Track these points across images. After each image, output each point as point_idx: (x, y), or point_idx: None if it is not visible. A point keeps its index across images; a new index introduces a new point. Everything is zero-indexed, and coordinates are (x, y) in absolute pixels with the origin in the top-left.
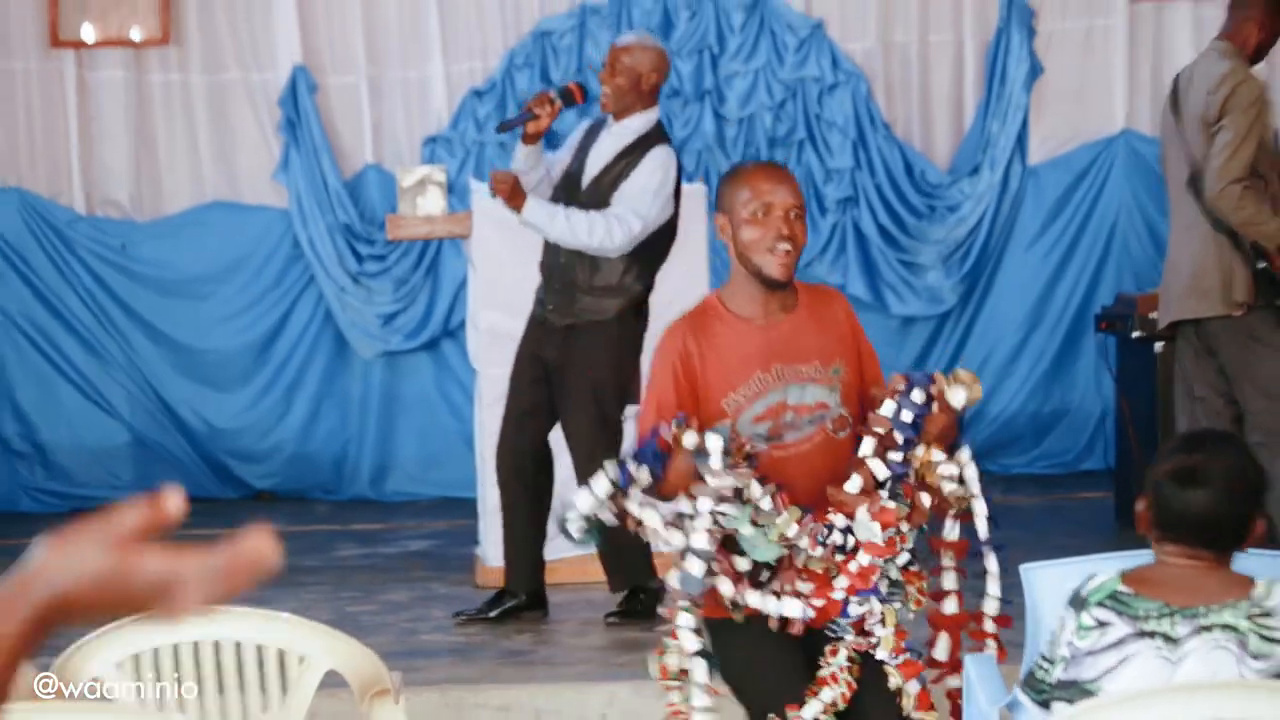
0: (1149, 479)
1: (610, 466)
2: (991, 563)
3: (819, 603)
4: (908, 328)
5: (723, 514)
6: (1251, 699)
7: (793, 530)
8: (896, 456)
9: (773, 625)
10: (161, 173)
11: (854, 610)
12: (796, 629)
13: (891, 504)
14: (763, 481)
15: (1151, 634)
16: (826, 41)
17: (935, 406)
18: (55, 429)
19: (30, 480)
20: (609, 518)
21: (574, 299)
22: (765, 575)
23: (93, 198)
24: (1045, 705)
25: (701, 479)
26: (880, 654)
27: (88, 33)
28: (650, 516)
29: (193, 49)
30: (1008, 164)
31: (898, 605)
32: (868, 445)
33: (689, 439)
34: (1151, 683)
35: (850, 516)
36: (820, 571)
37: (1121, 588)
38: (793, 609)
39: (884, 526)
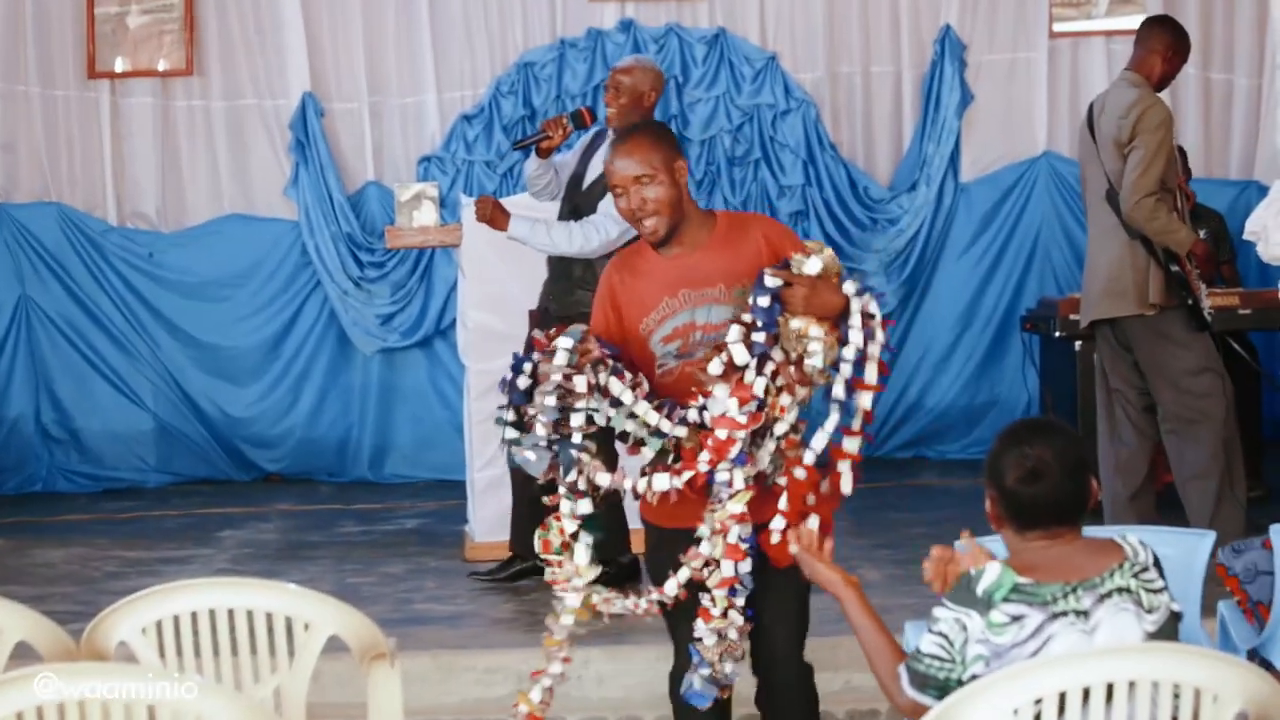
0: (992, 485)
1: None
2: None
3: (688, 474)
4: None
5: (594, 409)
6: (1147, 659)
7: (653, 417)
8: (759, 337)
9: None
10: (185, 188)
11: (719, 477)
12: (671, 498)
13: (755, 379)
14: (623, 379)
15: (1064, 613)
16: (780, 72)
17: (790, 286)
18: (88, 417)
19: (66, 463)
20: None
21: (571, 292)
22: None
23: (124, 210)
24: None
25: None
26: (714, 520)
27: (121, 65)
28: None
29: (213, 79)
30: (942, 181)
31: (768, 475)
32: (734, 332)
33: (559, 339)
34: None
35: (708, 396)
36: (692, 449)
37: (1020, 579)
38: (661, 483)
39: (741, 402)
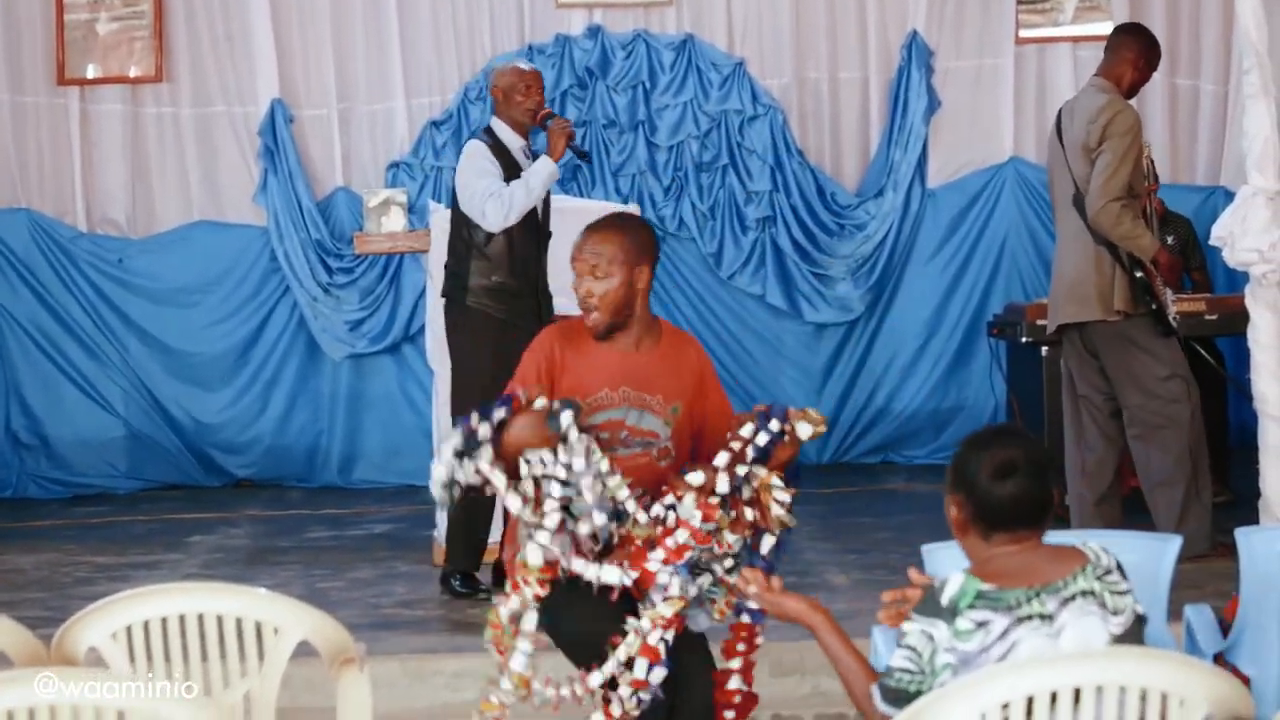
0: (960, 489)
1: (457, 426)
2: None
3: (636, 573)
4: (820, 333)
5: (567, 483)
6: (1114, 663)
7: (623, 493)
8: (741, 472)
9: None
10: (154, 195)
11: (663, 579)
12: (614, 595)
13: (715, 500)
14: (601, 447)
15: (1028, 617)
16: (747, 78)
17: (786, 438)
18: (59, 424)
19: (36, 469)
20: (467, 476)
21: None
22: (597, 548)
23: (93, 217)
24: None
25: (531, 447)
26: (642, 621)
27: (91, 72)
28: (497, 478)
29: (183, 86)
30: (909, 187)
31: (711, 600)
32: (722, 458)
33: (540, 403)
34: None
35: (679, 499)
36: (641, 543)
37: (984, 586)
38: (611, 575)
39: (704, 519)
